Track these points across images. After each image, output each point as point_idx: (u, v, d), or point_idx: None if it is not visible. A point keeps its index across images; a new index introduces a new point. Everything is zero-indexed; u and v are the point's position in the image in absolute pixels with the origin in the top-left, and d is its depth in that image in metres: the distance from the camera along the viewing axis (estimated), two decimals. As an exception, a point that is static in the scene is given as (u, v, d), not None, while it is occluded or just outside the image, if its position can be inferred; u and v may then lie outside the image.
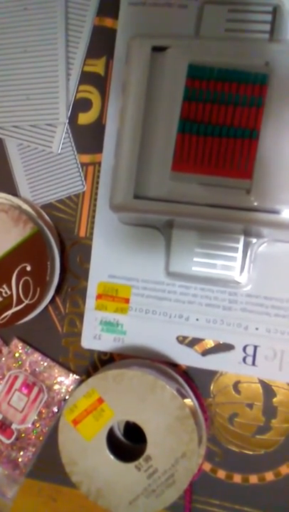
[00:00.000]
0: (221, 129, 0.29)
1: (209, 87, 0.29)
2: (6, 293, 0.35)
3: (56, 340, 0.37)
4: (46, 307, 0.37)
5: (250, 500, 0.34)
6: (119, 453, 0.31)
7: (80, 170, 0.36)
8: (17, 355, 0.37)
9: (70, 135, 0.37)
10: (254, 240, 0.33)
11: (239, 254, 0.32)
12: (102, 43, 0.36)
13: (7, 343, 0.38)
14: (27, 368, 0.37)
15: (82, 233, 0.37)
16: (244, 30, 0.32)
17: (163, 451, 0.30)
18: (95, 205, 0.36)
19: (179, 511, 0.35)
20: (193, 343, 0.35)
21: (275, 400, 0.34)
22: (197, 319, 0.34)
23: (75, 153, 0.37)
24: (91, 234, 0.36)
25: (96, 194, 0.36)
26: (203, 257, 0.33)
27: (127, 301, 0.35)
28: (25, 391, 0.37)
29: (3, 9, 0.37)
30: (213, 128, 0.29)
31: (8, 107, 0.37)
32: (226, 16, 0.33)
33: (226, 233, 0.32)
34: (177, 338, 0.35)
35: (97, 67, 0.36)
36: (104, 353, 0.36)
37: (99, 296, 0.36)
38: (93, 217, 0.36)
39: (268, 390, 0.34)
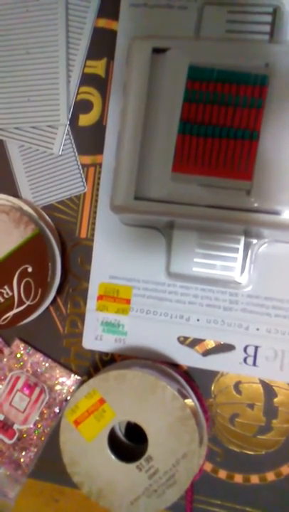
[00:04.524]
0: (221, 130, 0.29)
1: (209, 89, 0.29)
2: (7, 294, 0.35)
3: (58, 341, 0.37)
4: (47, 308, 0.37)
5: (251, 500, 0.34)
6: (120, 453, 0.32)
7: (81, 171, 0.37)
8: (19, 355, 0.37)
9: (71, 136, 0.37)
10: (254, 241, 0.33)
11: (240, 255, 0.33)
12: (102, 45, 0.36)
13: (9, 343, 0.38)
14: (29, 369, 0.37)
15: (83, 234, 0.37)
16: (244, 31, 0.32)
17: (164, 452, 0.30)
18: (95, 207, 0.36)
19: (180, 511, 0.35)
20: (194, 343, 0.35)
21: (276, 400, 0.34)
22: (198, 320, 0.34)
23: (76, 154, 0.37)
24: (92, 235, 0.36)
25: (97, 195, 0.36)
26: (204, 258, 0.33)
27: (128, 301, 0.35)
28: (26, 392, 0.37)
29: (4, 11, 0.37)
30: (214, 129, 0.29)
31: (10, 108, 0.37)
32: (226, 17, 0.33)
33: (227, 234, 0.32)
34: (178, 338, 0.35)
35: (98, 68, 0.36)
36: (106, 354, 0.36)
37: (100, 297, 0.36)
38: (94, 218, 0.36)
39: (269, 391, 0.34)
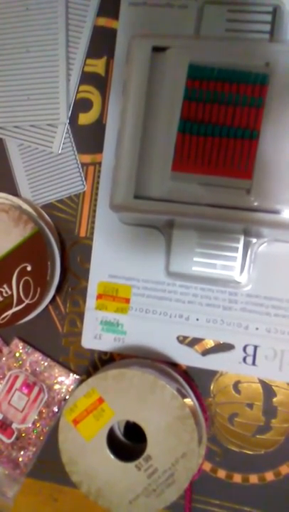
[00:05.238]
0: (221, 129, 0.29)
1: (209, 87, 0.29)
2: (6, 293, 0.35)
3: (56, 340, 0.37)
4: (47, 307, 0.37)
5: (250, 500, 0.34)
6: (119, 452, 0.32)
7: (81, 170, 0.37)
8: (17, 354, 0.37)
9: (71, 135, 0.37)
10: (254, 240, 0.33)
11: (239, 254, 0.32)
12: (102, 43, 0.36)
13: (8, 342, 0.38)
14: (27, 368, 0.37)
15: (82, 233, 0.37)
16: (244, 30, 0.32)
17: (163, 451, 0.30)
18: (95, 205, 0.36)
19: (179, 511, 0.35)
20: (194, 342, 0.35)
21: (275, 399, 0.34)
22: (197, 319, 0.34)
23: (76, 153, 0.37)
24: (91, 234, 0.36)
25: (96, 194, 0.36)
26: (204, 257, 0.33)
27: (128, 300, 0.35)
28: (25, 391, 0.37)
29: (5, 9, 0.37)
30: (214, 128, 0.29)
31: (9, 107, 0.37)
32: (226, 16, 0.33)
33: (226, 233, 0.32)
34: (177, 337, 0.35)
35: (98, 67, 0.36)
36: (105, 353, 0.36)
37: (99, 296, 0.36)
38: (93, 217, 0.36)
39: (268, 390, 0.34)
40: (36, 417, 0.37)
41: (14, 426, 0.37)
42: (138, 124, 0.30)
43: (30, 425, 0.37)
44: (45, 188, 0.37)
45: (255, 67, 0.29)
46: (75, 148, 0.37)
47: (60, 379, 0.37)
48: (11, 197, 0.36)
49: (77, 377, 0.37)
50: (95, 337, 0.36)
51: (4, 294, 0.35)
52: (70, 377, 0.37)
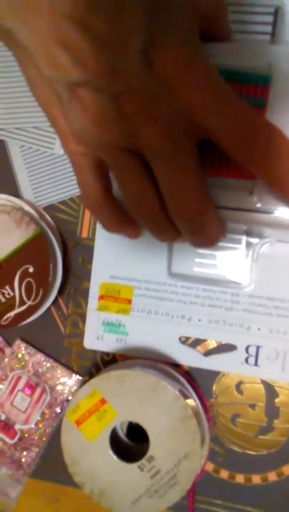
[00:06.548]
0: (223, 130, 0.29)
1: (211, 89, 0.29)
2: (8, 294, 0.35)
3: (59, 341, 0.37)
4: (49, 308, 0.37)
5: (252, 500, 0.34)
6: (122, 453, 0.32)
7: (82, 171, 0.36)
8: (20, 355, 0.37)
9: (72, 136, 0.37)
10: (256, 241, 0.33)
11: (241, 255, 0.33)
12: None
13: (10, 343, 0.38)
14: (30, 369, 0.37)
15: (84, 234, 0.37)
16: (246, 31, 0.32)
17: (166, 452, 0.30)
18: (97, 206, 0.36)
19: (181, 511, 0.35)
20: (196, 343, 0.35)
21: (277, 400, 0.34)
22: (199, 320, 0.34)
23: (77, 154, 0.37)
24: (93, 235, 0.36)
25: (98, 195, 0.36)
26: (205, 258, 0.33)
27: (129, 301, 0.35)
28: (28, 391, 0.37)
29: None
30: (215, 129, 0.29)
31: (11, 108, 0.37)
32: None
33: (228, 234, 0.32)
34: (179, 338, 0.35)
35: (99, 68, 0.36)
36: (107, 354, 0.36)
37: (101, 297, 0.36)
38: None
39: (271, 391, 0.34)
40: (39, 418, 0.37)
41: (17, 427, 0.37)
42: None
43: (33, 426, 0.37)
44: (46, 190, 0.37)
45: (257, 69, 0.29)
46: (76, 150, 0.37)
47: (62, 380, 0.37)
48: (12, 198, 0.36)
49: (80, 378, 0.37)
50: (97, 338, 0.36)
51: (6, 296, 0.35)
52: (73, 378, 0.37)
